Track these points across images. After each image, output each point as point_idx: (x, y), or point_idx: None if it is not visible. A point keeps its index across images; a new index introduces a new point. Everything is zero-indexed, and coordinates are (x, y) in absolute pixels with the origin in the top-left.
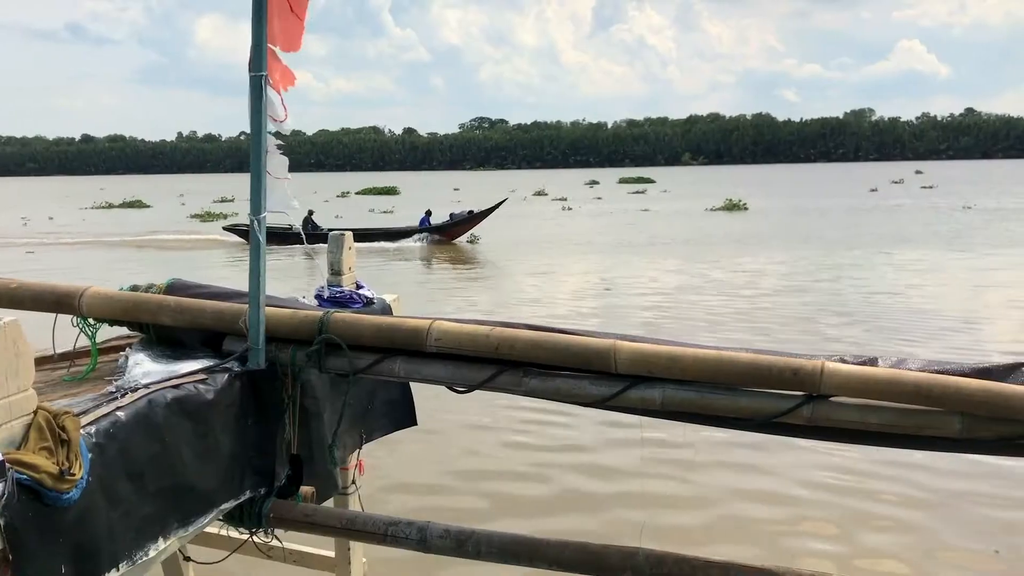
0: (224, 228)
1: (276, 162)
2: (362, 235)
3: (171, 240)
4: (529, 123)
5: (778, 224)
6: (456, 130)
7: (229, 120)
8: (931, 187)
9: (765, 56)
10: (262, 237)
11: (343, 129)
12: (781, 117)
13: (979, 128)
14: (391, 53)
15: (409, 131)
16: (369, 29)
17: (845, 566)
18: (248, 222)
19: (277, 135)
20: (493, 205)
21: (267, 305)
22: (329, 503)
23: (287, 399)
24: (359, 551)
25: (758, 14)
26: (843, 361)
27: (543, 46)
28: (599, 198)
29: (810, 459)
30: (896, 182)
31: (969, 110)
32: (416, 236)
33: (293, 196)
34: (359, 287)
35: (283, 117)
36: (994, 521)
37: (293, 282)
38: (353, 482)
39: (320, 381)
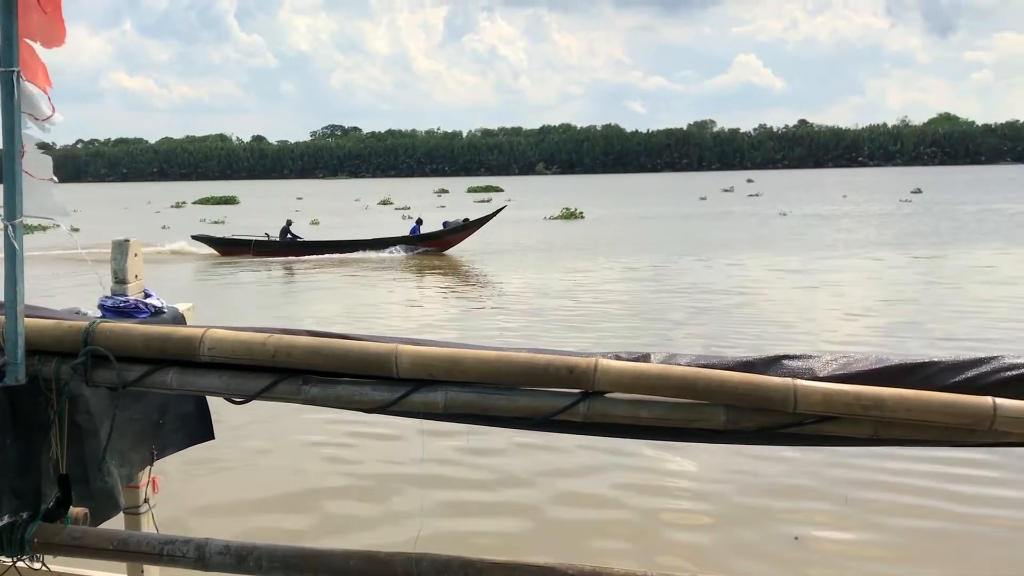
0: (193, 237)
1: (36, 163)
2: (346, 245)
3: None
4: (383, 131)
5: (612, 232)
6: (308, 138)
7: None
8: (757, 195)
9: (613, 68)
10: (17, 244)
11: (188, 137)
12: (629, 128)
13: (811, 139)
14: (237, 59)
15: (258, 139)
16: (214, 34)
17: (644, 562)
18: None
19: (38, 140)
20: (490, 213)
21: (33, 316)
22: (116, 523)
23: (53, 415)
24: (155, 573)
25: (605, 27)
26: (617, 358)
27: (395, 54)
28: (443, 206)
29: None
30: (727, 190)
31: (802, 122)
32: (400, 246)
33: (63, 201)
34: (147, 296)
35: (48, 114)
36: (789, 510)
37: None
38: (146, 500)
39: (96, 396)
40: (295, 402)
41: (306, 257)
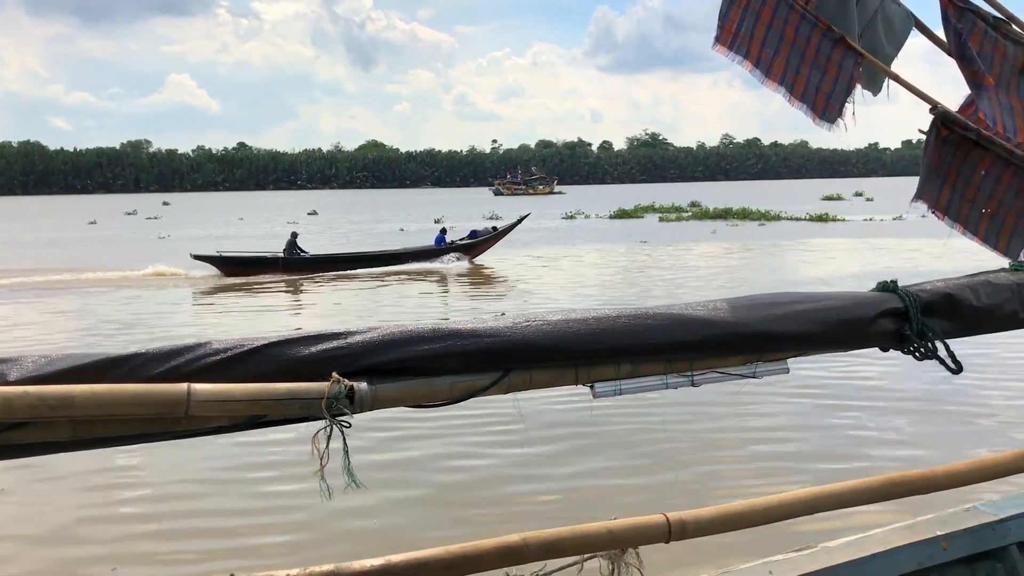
0: (194, 256)
1: None
2: (376, 259)
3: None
4: None
5: None
6: None
7: None
8: (156, 218)
9: (29, 80)
10: None
11: None
12: (54, 145)
13: (251, 162)
14: None
15: None
16: None
17: None
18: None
19: None
20: (515, 221)
21: None
22: None
23: None
24: None
25: (16, 34)
26: None
27: None
28: None
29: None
30: (129, 213)
31: (241, 144)
32: (447, 256)
33: None
34: None
35: None
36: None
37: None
38: None
39: None
40: None
41: (341, 272)
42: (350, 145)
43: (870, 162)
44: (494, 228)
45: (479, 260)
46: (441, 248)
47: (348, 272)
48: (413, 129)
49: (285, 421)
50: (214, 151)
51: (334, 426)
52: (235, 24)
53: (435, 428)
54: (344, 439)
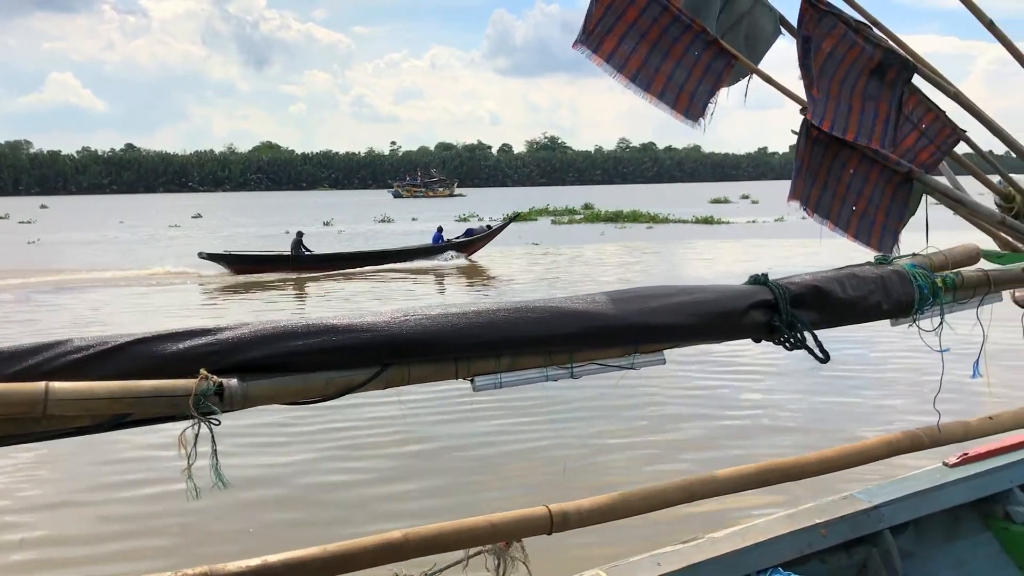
0: (201, 256)
1: None
2: (378, 256)
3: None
4: None
5: None
6: None
7: None
8: (30, 222)
9: None
10: None
11: None
12: None
13: (139, 164)
14: None
15: None
16: None
17: None
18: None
19: None
20: (506, 221)
21: None
22: None
23: None
24: None
25: None
26: None
27: None
28: None
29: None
30: (2, 218)
31: (130, 146)
32: (446, 254)
33: None
34: None
35: None
36: None
37: None
38: None
39: None
40: None
41: (354, 269)
42: (244, 147)
43: (760, 166)
44: (488, 227)
45: (474, 256)
46: (440, 246)
47: (355, 270)
48: (310, 131)
49: (152, 420)
50: (100, 153)
51: (202, 424)
52: (121, 21)
53: (315, 424)
54: (213, 437)
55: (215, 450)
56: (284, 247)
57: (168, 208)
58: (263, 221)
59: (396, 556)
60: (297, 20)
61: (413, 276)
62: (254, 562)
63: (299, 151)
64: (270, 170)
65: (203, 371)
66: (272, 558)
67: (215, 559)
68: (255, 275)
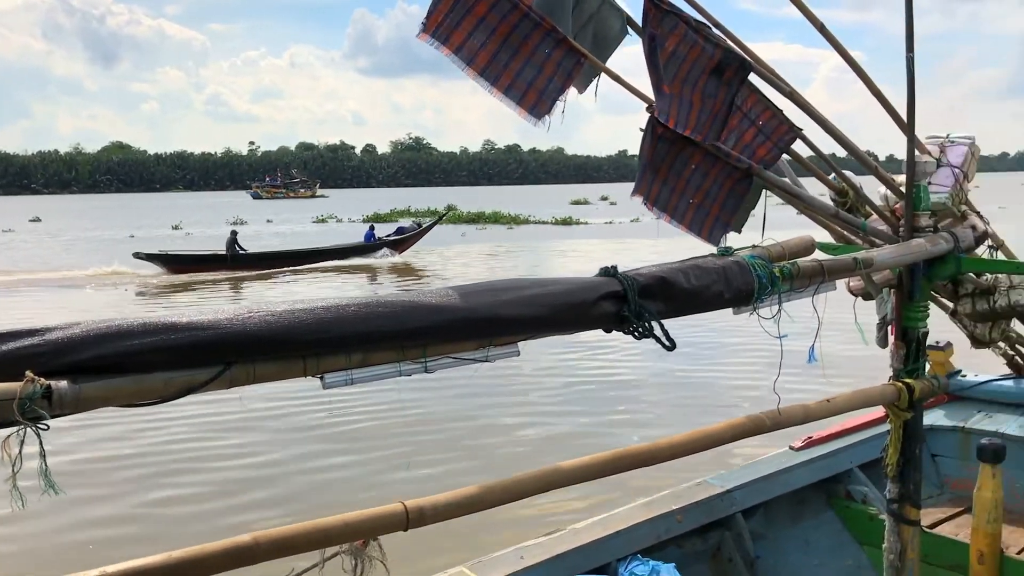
0: (136, 256)
1: None
2: (313, 254)
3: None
4: None
5: None
6: None
7: None
8: None
9: None
10: None
11: None
12: None
13: None
14: None
15: None
16: None
17: None
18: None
19: None
20: (435, 219)
21: None
22: None
23: None
24: None
25: None
26: None
27: None
28: None
29: None
30: None
31: None
32: (380, 252)
33: None
34: None
35: None
36: None
37: None
38: None
39: None
40: None
41: (285, 268)
42: (92, 147)
43: (620, 168)
44: (418, 224)
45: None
46: (374, 244)
47: (290, 268)
48: (163, 130)
49: None
50: None
51: (28, 429)
52: None
53: (154, 426)
54: (41, 443)
55: (44, 455)
56: (127, 251)
57: (6, 211)
58: (108, 224)
59: (247, 560)
60: (148, 16)
61: (349, 273)
62: (92, 573)
63: (152, 151)
64: (121, 171)
65: (28, 373)
66: (112, 569)
67: (53, 572)
68: (192, 275)
